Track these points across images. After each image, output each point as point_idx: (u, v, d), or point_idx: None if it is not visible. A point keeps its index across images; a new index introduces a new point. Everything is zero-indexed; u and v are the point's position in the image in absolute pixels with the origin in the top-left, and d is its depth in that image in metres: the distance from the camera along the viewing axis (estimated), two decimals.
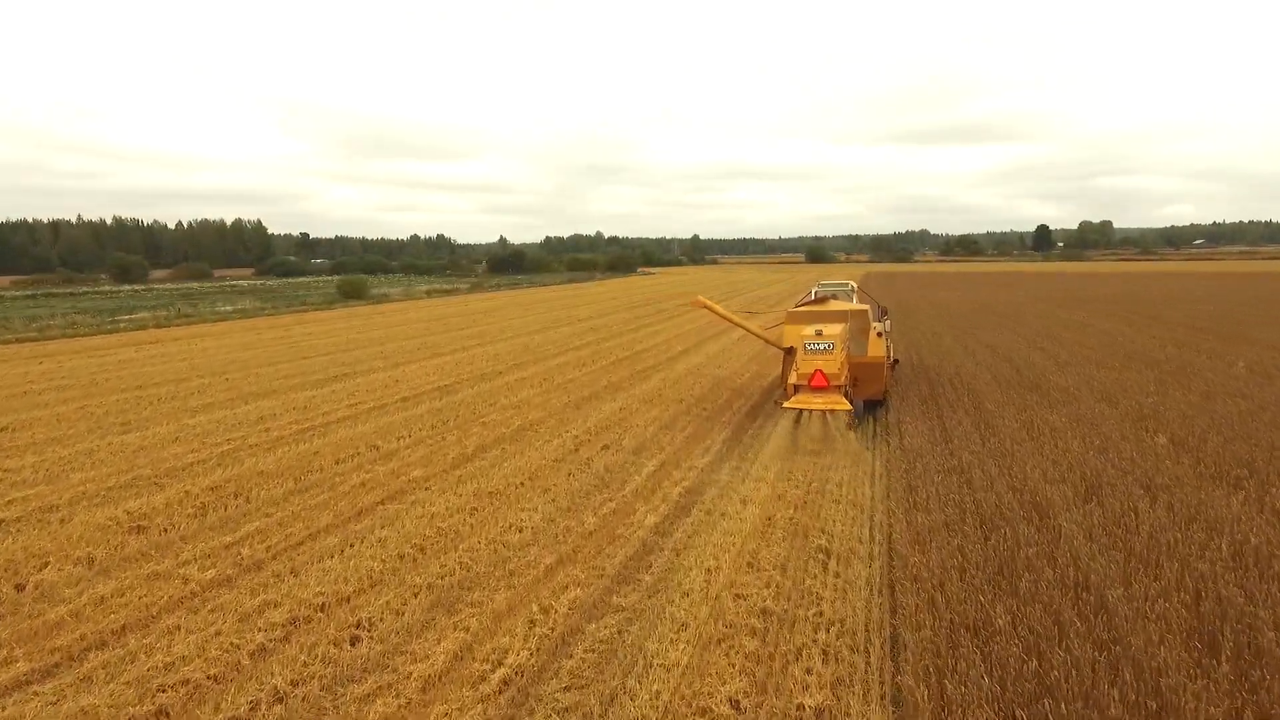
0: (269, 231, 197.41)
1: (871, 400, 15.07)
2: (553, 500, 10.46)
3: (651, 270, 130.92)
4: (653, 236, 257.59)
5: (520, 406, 16.99)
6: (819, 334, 13.48)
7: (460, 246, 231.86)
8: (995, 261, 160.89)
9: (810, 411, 12.79)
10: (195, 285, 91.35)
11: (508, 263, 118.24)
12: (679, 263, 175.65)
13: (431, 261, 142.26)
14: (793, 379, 13.50)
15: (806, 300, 17.18)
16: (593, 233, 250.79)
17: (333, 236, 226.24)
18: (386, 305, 52.47)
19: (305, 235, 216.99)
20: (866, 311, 15.42)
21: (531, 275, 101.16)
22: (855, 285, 19.40)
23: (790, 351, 14.56)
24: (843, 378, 13.25)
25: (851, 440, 12.64)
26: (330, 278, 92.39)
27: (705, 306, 16.35)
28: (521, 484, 11.23)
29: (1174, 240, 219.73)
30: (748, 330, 17.49)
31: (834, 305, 15.97)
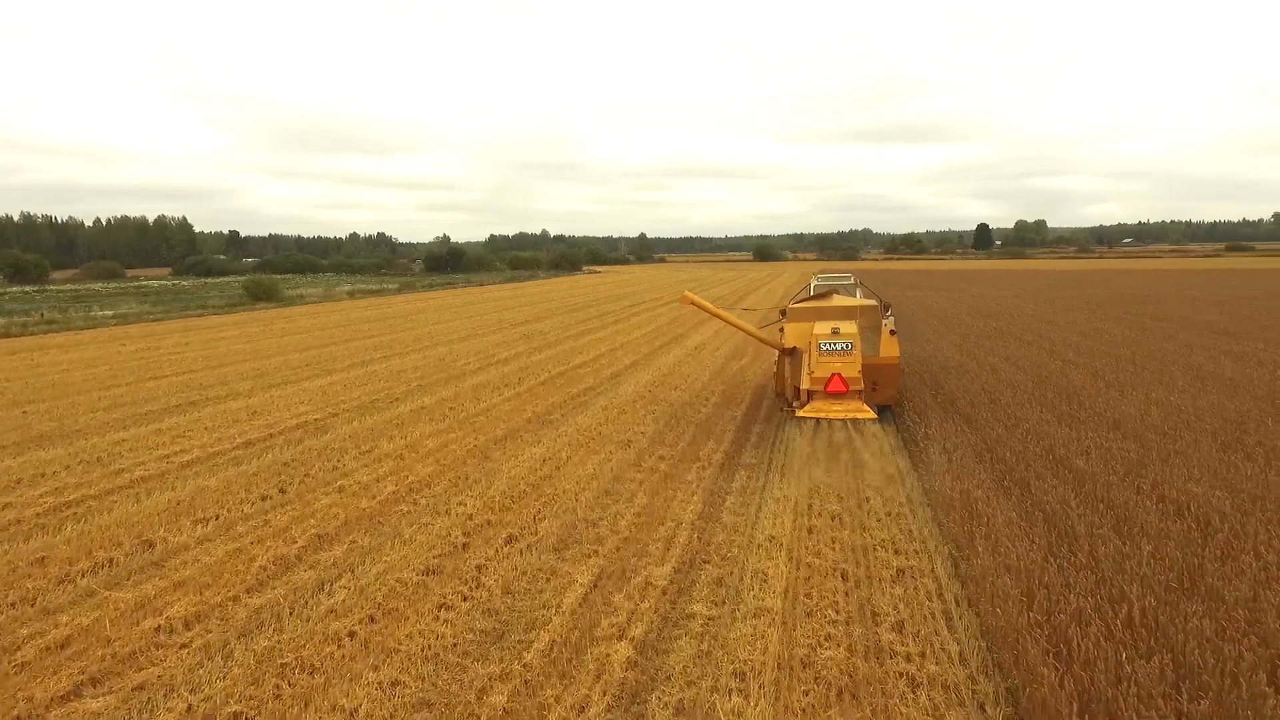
0: (194, 229, 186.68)
1: (882, 405, 12.95)
2: (392, 687, 5.73)
3: (598, 269, 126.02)
4: (600, 235, 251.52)
5: (404, 456, 12.19)
6: (836, 333, 11.62)
7: (401, 245, 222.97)
8: (941, 260, 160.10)
9: (829, 420, 11.14)
10: (99, 286, 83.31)
11: (445, 261, 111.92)
12: (626, 261, 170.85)
13: (366, 260, 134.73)
14: (805, 384, 11.62)
15: (806, 295, 15.24)
16: (538, 231, 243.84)
17: (266, 235, 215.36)
18: (298, 308, 46.69)
19: (235, 233, 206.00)
20: (876, 307, 13.55)
21: (470, 274, 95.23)
22: (857, 278, 16.97)
23: (792, 353, 12.87)
24: (862, 381, 11.55)
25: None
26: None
27: (694, 303, 14.20)
28: (351, 634, 6.47)
29: (1104, 239, 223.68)
30: (741, 329, 15.18)
31: (837, 300, 14.14)
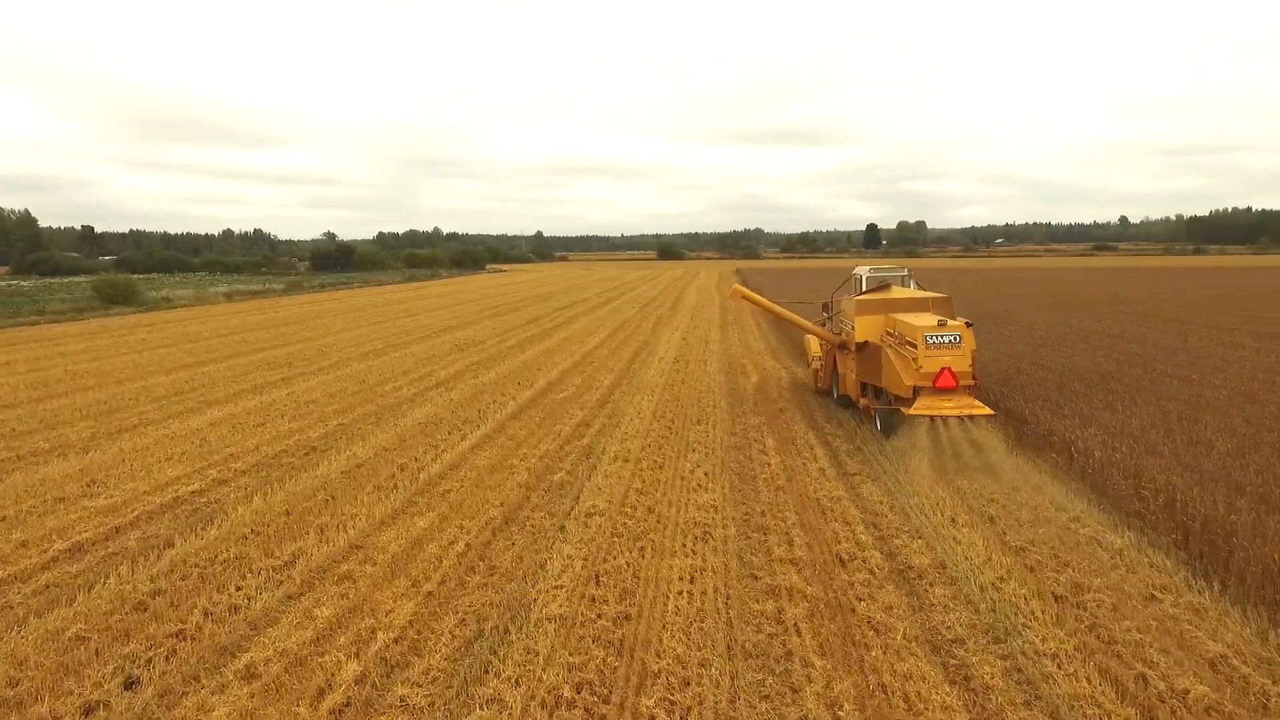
0: (40, 224, 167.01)
1: None
2: None
3: (502, 268, 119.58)
4: (494, 233, 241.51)
5: (355, 575, 7.21)
6: (943, 324, 11.23)
7: (281, 243, 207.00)
8: (839, 259, 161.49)
9: (945, 419, 10.54)
10: None
11: (334, 259, 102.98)
12: (527, 260, 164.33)
13: (243, 259, 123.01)
14: (909, 379, 11.11)
15: (859, 288, 14.45)
16: (430, 228, 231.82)
17: (126, 231, 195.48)
18: (164, 314, 39.25)
19: (89, 229, 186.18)
20: (949, 299, 12.90)
21: (364, 274, 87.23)
22: (909, 270, 15.27)
23: (861, 348, 12.68)
24: (972, 376, 11.13)
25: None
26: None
27: (746, 297, 14.88)
28: None
29: (978, 239, 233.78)
30: (796, 323, 15.32)
31: (903, 292, 13.60)
